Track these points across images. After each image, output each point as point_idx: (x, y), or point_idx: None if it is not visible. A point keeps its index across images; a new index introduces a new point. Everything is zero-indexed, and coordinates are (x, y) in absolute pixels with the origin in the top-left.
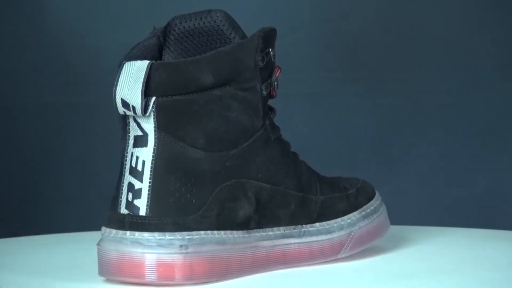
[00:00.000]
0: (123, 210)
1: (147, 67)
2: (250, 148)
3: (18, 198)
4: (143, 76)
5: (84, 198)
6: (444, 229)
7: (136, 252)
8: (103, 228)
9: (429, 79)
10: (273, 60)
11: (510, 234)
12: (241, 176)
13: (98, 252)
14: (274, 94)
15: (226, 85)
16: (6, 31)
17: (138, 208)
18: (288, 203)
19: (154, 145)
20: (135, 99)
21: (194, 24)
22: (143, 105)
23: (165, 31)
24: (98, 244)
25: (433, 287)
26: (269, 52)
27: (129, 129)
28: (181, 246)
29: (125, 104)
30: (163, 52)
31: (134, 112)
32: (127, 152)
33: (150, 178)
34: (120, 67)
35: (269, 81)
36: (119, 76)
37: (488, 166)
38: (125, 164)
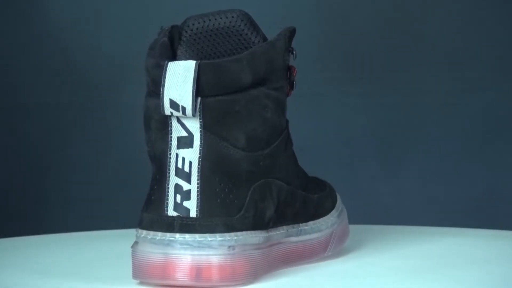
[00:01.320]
0: (171, 212)
1: (195, 67)
2: (278, 148)
3: (18, 198)
4: (192, 76)
5: (84, 198)
6: (444, 229)
7: (185, 254)
8: (143, 231)
9: (429, 79)
10: (294, 59)
11: (510, 234)
12: (269, 175)
13: (134, 255)
14: (290, 94)
15: (260, 85)
16: (6, 31)
17: (188, 210)
18: (295, 202)
19: (200, 146)
20: (186, 100)
21: (213, 24)
22: (193, 106)
23: (180, 31)
24: (133, 247)
25: (433, 286)
26: (291, 51)
27: (171, 130)
28: (229, 247)
29: (173, 104)
30: (177, 52)
31: (184, 112)
32: (170, 153)
33: (198, 179)
34: (164, 67)
35: (288, 80)
36: (164, 77)
37: (488, 166)
38: (169, 166)
